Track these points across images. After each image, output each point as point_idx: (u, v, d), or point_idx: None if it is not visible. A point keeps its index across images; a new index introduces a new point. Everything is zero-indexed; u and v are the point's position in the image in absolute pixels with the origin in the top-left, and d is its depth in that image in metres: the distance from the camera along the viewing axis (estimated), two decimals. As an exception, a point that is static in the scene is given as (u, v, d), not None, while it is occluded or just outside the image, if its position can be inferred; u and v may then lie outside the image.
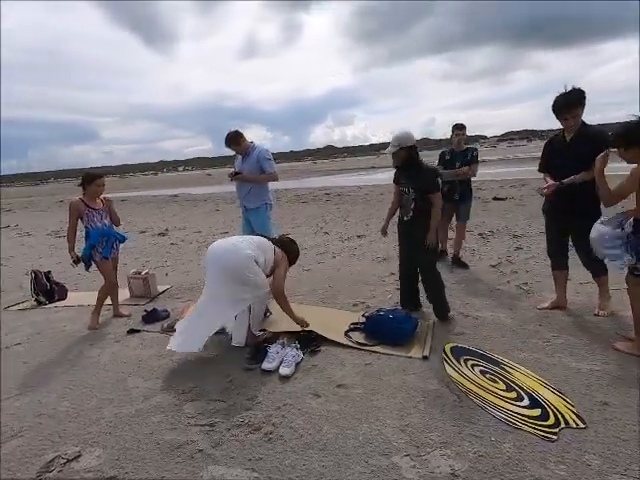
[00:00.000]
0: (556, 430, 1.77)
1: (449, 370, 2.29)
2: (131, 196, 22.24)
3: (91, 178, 3.32)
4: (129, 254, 6.29)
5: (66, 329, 3.35)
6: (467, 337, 2.72)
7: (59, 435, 1.99)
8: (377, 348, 2.61)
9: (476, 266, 4.35)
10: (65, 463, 1.79)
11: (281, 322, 3.09)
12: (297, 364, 2.43)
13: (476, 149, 4.30)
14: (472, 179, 4.32)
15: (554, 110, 2.69)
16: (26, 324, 3.54)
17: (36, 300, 4.08)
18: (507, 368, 2.29)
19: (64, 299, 4.08)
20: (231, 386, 2.31)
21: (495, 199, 9.32)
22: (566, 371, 2.24)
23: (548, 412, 1.89)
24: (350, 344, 2.67)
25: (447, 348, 2.54)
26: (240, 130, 3.78)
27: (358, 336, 2.79)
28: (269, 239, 2.90)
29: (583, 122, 2.69)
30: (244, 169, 3.83)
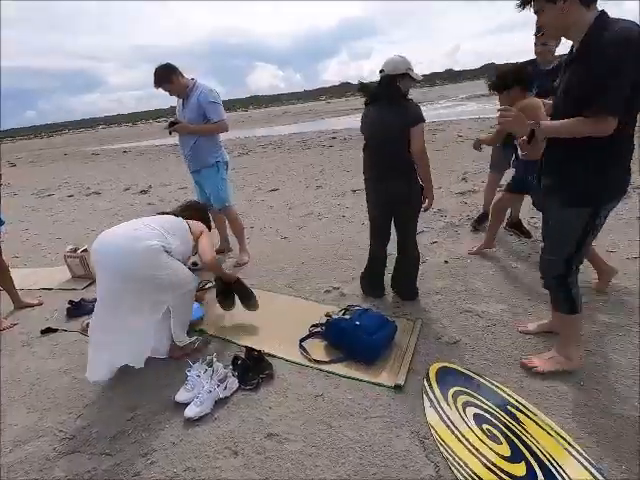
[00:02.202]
0: None
1: (429, 413, 1.59)
2: (133, 146, 21.38)
3: None
4: (97, 217, 5.66)
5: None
6: (463, 350, 1.98)
7: None
8: (337, 368, 1.91)
9: (484, 231, 3.47)
10: None
11: (227, 320, 2.44)
12: (223, 398, 1.78)
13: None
14: None
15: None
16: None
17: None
18: (515, 411, 1.57)
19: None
20: (130, 428, 1.71)
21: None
22: (605, 419, 1.50)
23: (575, 512, 1.19)
24: (302, 362, 1.99)
25: (432, 371, 1.82)
26: (173, 64, 2.83)
27: (317, 346, 2.10)
28: (176, 214, 2.22)
29: (602, 20, 1.33)
30: (184, 117, 2.96)
